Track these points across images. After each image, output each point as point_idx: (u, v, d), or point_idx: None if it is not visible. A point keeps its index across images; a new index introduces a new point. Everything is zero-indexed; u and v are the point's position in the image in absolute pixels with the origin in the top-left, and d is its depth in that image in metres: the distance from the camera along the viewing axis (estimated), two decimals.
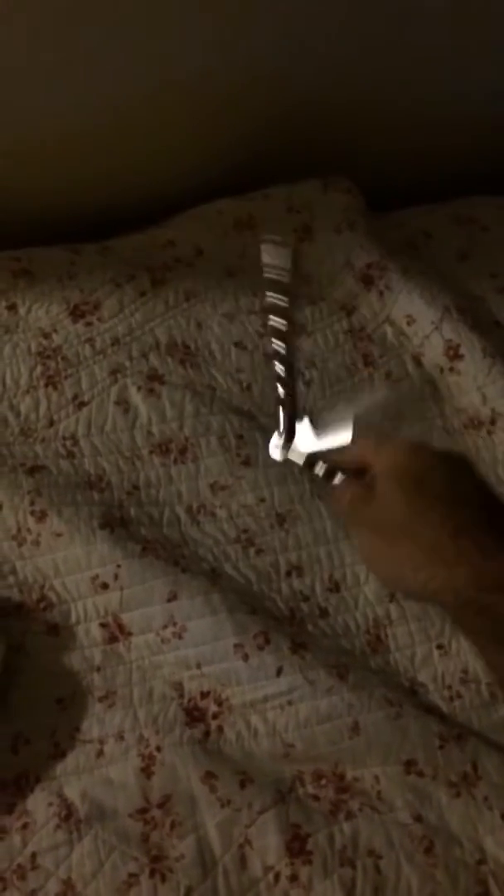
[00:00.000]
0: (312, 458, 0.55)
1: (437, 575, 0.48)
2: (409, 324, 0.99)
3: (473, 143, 1.15)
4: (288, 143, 1.08)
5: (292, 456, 0.56)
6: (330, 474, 0.54)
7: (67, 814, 0.66)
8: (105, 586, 0.76)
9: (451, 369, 0.96)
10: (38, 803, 0.66)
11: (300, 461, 0.55)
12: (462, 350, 0.96)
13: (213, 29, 0.93)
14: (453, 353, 0.96)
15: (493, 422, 0.93)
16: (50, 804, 0.66)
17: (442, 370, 0.97)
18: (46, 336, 0.92)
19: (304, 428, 0.56)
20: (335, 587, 0.81)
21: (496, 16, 1.04)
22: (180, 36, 0.92)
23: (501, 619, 0.47)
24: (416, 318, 0.99)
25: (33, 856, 0.64)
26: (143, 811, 0.66)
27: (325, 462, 0.54)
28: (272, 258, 0.54)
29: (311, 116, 1.06)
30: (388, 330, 1.00)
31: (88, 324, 0.94)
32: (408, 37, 1.02)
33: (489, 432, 0.93)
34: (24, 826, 0.65)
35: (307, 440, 0.56)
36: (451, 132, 1.13)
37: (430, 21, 1.01)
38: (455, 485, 0.52)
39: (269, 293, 0.55)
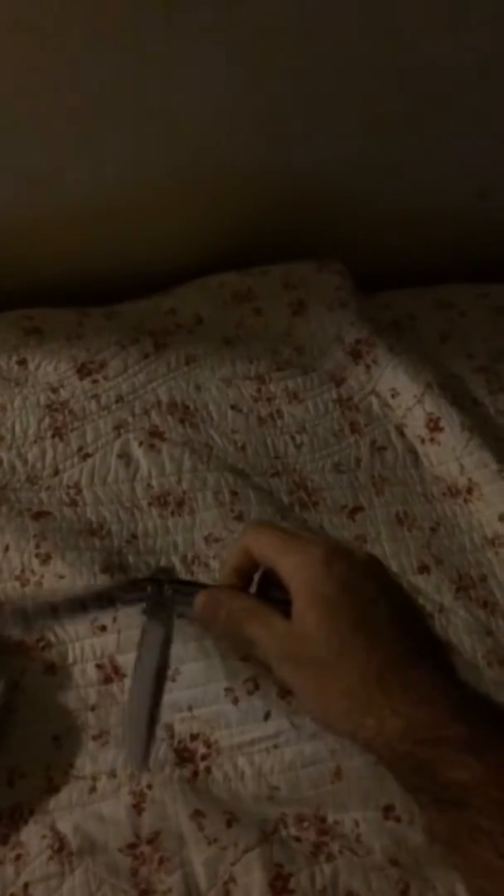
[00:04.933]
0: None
1: (365, 725, 0.43)
2: (393, 396, 1.07)
3: (456, 236, 1.25)
4: (286, 227, 1.17)
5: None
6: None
7: (60, 846, 0.68)
8: (103, 628, 0.80)
9: (432, 440, 1.03)
10: (32, 835, 0.68)
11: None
12: (442, 423, 1.03)
13: (215, 130, 1.04)
14: (434, 426, 1.03)
15: (469, 490, 0.99)
16: (43, 836, 0.68)
17: (423, 440, 1.04)
18: (54, 390, 0.98)
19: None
20: None
21: (483, 122, 1.15)
22: (192, 135, 1.02)
23: (440, 778, 0.41)
24: (399, 391, 1.07)
25: (26, 886, 0.65)
26: (133, 846, 0.69)
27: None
28: None
29: (308, 207, 1.16)
30: (374, 401, 1.07)
31: (94, 381, 1.00)
32: (400, 142, 1.13)
33: (465, 500, 0.99)
34: (18, 857, 0.67)
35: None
36: (435, 226, 1.23)
37: (422, 126, 1.12)
38: (372, 607, 0.46)
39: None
